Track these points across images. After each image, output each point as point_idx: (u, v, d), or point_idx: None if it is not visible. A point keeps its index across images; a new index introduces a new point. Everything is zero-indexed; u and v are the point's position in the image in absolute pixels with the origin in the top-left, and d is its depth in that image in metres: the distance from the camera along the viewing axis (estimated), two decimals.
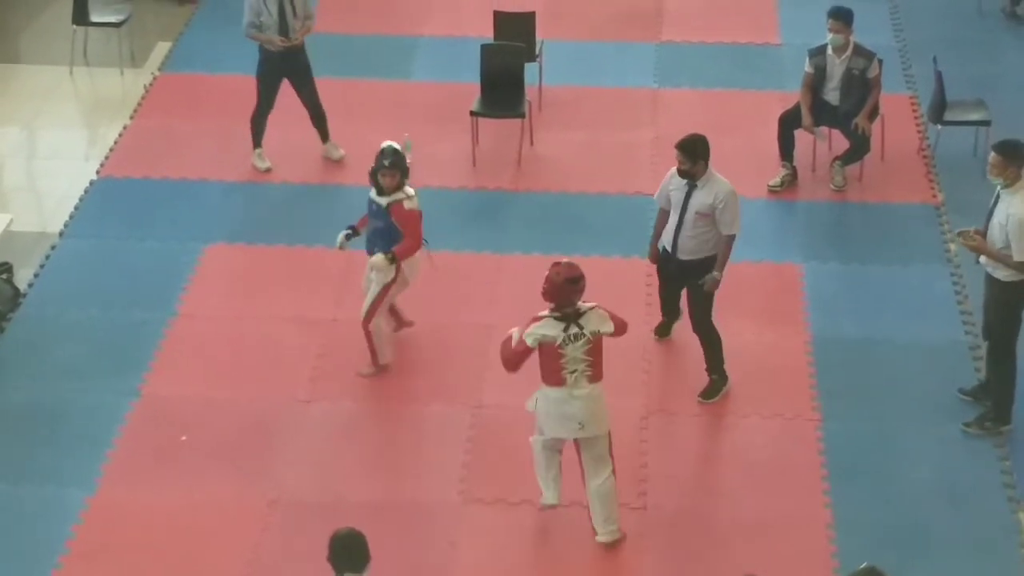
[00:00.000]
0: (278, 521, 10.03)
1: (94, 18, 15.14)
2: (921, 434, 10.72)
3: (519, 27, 14.16)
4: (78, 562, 9.74)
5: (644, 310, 11.80)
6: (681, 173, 10.60)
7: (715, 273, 10.70)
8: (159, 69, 15.08)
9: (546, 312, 9.49)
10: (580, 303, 9.50)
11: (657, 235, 11.05)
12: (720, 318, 11.53)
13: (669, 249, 10.83)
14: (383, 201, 10.76)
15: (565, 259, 9.55)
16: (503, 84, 13.60)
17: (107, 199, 13.19)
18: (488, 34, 14.31)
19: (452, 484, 10.29)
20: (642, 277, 12.15)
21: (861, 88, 12.94)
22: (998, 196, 10.29)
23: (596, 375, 9.54)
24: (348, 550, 7.84)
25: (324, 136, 13.50)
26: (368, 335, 11.00)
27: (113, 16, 15.24)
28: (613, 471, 9.69)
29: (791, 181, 13.23)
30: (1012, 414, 10.68)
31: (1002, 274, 10.33)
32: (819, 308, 11.88)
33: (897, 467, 10.46)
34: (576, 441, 9.67)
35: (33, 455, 10.53)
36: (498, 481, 10.28)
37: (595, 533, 9.75)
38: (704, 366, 10.98)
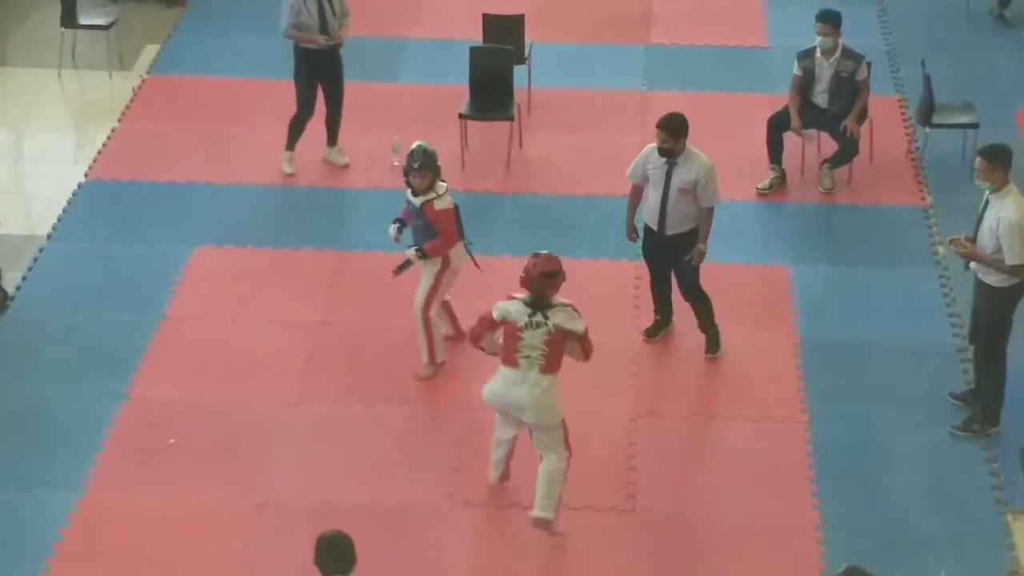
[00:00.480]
0: (267, 524, 10.02)
1: (82, 21, 15.12)
2: (910, 436, 10.73)
3: (508, 30, 14.16)
4: (66, 565, 9.72)
5: (632, 312, 11.80)
6: (662, 152, 10.81)
7: (700, 246, 10.99)
8: (147, 72, 15.06)
9: (519, 295, 9.65)
10: (555, 297, 9.64)
11: (632, 211, 11.25)
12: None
13: (655, 227, 11.04)
14: (417, 201, 10.86)
15: (545, 252, 9.67)
16: (492, 87, 13.61)
17: (95, 202, 13.18)
18: (477, 37, 14.31)
19: (440, 486, 10.28)
20: (630, 280, 12.16)
21: (850, 91, 12.96)
22: (987, 201, 10.30)
23: (550, 367, 9.65)
24: (334, 552, 7.84)
25: (333, 139, 13.47)
26: (427, 324, 11.06)
27: (101, 19, 15.23)
28: (565, 460, 9.75)
29: (780, 184, 13.25)
30: (1000, 417, 10.69)
31: (993, 279, 10.34)
32: (808, 311, 11.89)
33: (886, 469, 10.47)
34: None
35: (21, 458, 10.51)
36: (486, 484, 10.27)
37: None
38: (696, 326, 11.38)
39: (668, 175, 10.84)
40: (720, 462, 10.59)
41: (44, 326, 11.73)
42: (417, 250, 10.93)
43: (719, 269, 12.28)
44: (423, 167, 10.76)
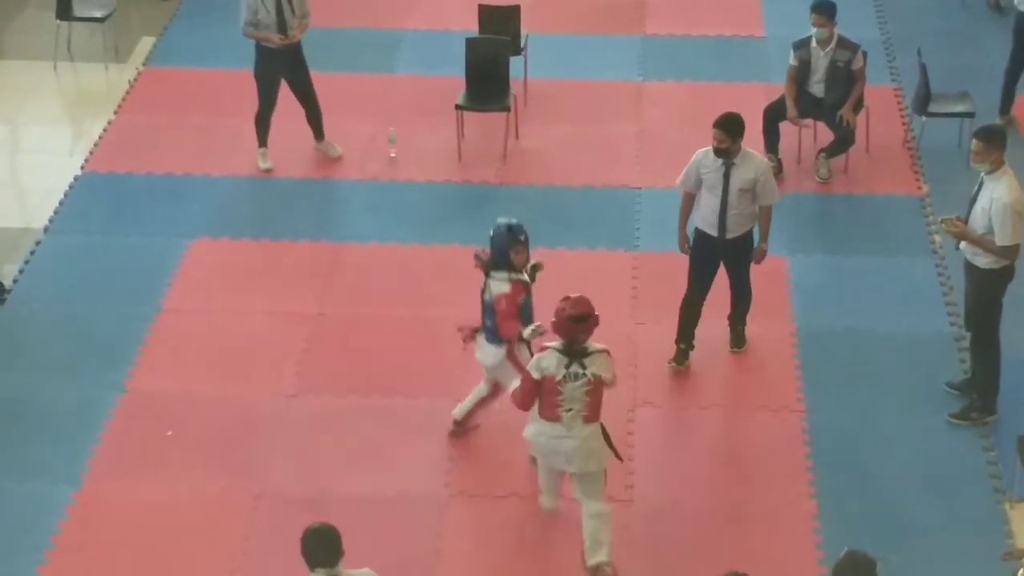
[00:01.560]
0: (264, 515, 10.02)
1: (78, 13, 15.11)
2: (907, 425, 10.74)
3: (504, 21, 14.15)
4: (65, 557, 9.72)
5: (630, 304, 11.81)
6: (719, 152, 10.61)
7: (763, 245, 10.94)
8: (143, 64, 15.05)
9: (553, 343, 9.19)
10: (590, 343, 9.13)
11: (684, 221, 10.98)
12: (705, 310, 11.56)
13: (715, 232, 10.77)
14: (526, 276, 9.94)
15: (575, 294, 9.14)
16: (488, 78, 13.60)
17: (92, 194, 13.17)
18: (473, 28, 14.30)
19: (438, 477, 10.29)
20: (628, 270, 12.16)
21: (846, 80, 12.96)
22: (981, 182, 10.30)
23: (592, 416, 9.21)
24: (319, 545, 7.80)
25: (318, 135, 13.45)
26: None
27: (97, 11, 15.21)
28: (607, 504, 9.41)
29: (776, 174, 13.22)
30: (997, 404, 10.70)
31: (983, 261, 10.35)
32: (804, 300, 11.90)
33: (883, 458, 10.48)
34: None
35: (19, 451, 10.52)
36: (484, 474, 10.28)
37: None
38: (727, 320, 11.28)
39: (727, 176, 10.61)
40: (717, 451, 10.60)
41: (41, 319, 11.73)
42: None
43: None
44: (527, 239, 9.87)
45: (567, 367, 9.08)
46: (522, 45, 14.29)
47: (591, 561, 9.34)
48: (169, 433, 10.66)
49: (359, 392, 11.03)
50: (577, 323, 9.03)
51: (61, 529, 9.92)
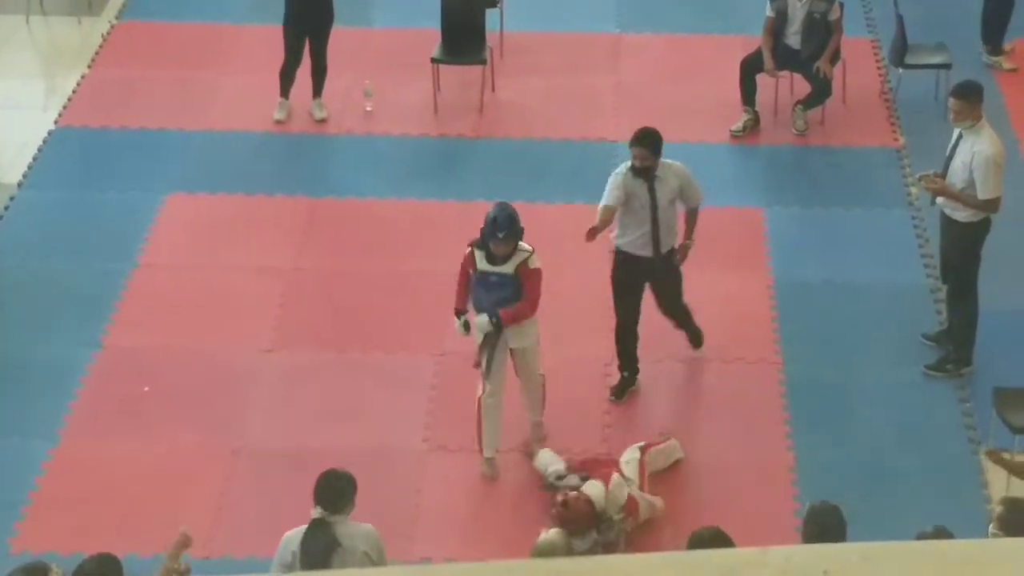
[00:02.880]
0: (242, 470, 10.03)
1: None
2: (883, 377, 10.77)
3: None
4: (42, 512, 9.72)
5: (607, 257, 11.78)
6: (640, 171, 10.04)
7: (688, 242, 10.44)
8: (117, 17, 14.94)
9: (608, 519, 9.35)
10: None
11: (599, 233, 10.14)
12: (683, 262, 11.53)
13: (649, 252, 10.18)
14: (509, 268, 9.66)
15: (560, 496, 9.32)
16: (464, 30, 13.53)
17: (66, 149, 13.09)
18: None
19: (416, 431, 10.30)
20: None
21: (822, 32, 12.92)
22: (959, 136, 10.29)
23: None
24: (328, 487, 7.91)
25: (317, 91, 13.36)
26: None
27: None
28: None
29: (753, 126, 13.22)
30: (973, 356, 10.73)
31: (961, 215, 10.36)
32: (781, 252, 11.91)
33: (859, 410, 10.51)
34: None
35: None
36: (462, 428, 10.28)
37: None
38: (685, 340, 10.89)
39: (652, 192, 10.09)
40: (694, 404, 10.62)
41: (16, 274, 11.67)
42: (494, 320, 9.67)
43: None
44: (509, 236, 9.57)
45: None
46: None
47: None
48: (146, 388, 10.64)
49: (336, 347, 11.02)
50: (589, 505, 9.34)
51: (38, 485, 9.91)
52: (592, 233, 9.97)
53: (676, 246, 10.39)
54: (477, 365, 9.76)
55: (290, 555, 7.90)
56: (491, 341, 9.71)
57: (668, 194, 10.19)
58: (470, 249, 9.77)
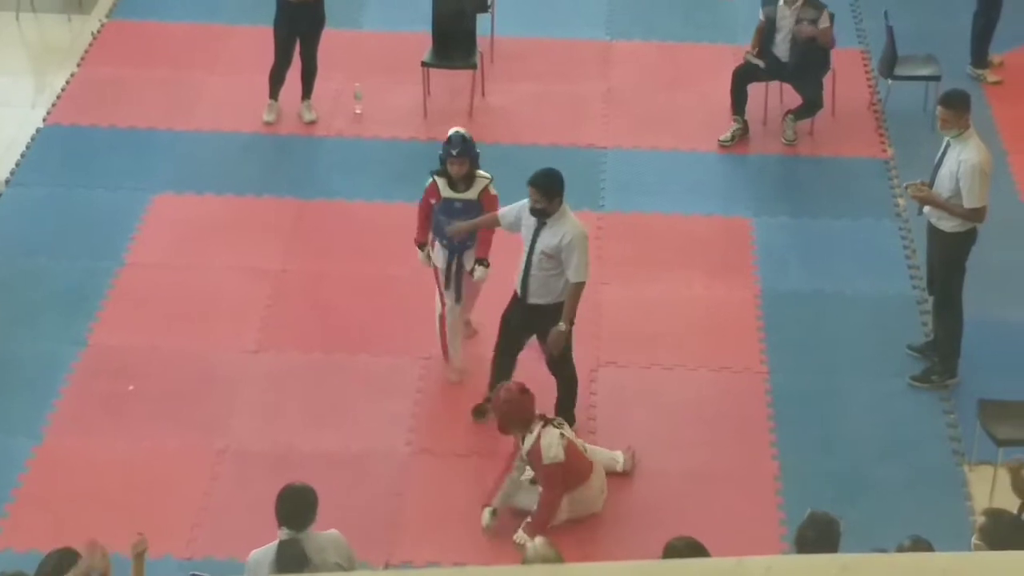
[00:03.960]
0: (226, 470, 10.01)
1: None
2: (868, 387, 10.78)
3: None
4: (25, 511, 9.69)
5: (594, 264, 11.72)
6: (535, 212, 9.72)
7: (561, 325, 9.78)
8: (107, 16, 14.91)
9: (534, 432, 9.35)
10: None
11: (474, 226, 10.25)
12: (670, 271, 11.60)
13: (519, 290, 9.92)
14: (472, 194, 10.21)
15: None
16: (455, 35, 13.53)
17: (54, 147, 13.07)
18: None
19: (400, 434, 10.29)
20: (592, 230, 12.11)
21: (810, 41, 12.91)
22: (947, 146, 10.32)
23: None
24: (294, 506, 7.80)
25: (307, 93, 13.34)
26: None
27: None
28: None
29: (742, 135, 13.23)
30: (958, 368, 10.75)
31: (948, 225, 10.37)
32: (768, 262, 11.92)
33: (844, 420, 10.52)
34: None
35: None
36: (447, 432, 10.29)
37: None
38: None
39: (535, 236, 9.74)
40: (680, 412, 10.62)
41: (2, 272, 11.64)
42: (481, 263, 10.26)
43: (680, 220, 12.31)
44: (462, 153, 10.14)
45: (559, 427, 9.53)
46: (489, 2, 14.21)
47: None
48: (131, 387, 10.61)
49: (322, 348, 11.01)
50: (526, 393, 9.42)
51: (21, 482, 9.89)
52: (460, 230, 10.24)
53: (554, 312, 9.83)
54: (447, 286, 10.39)
55: None
56: (456, 263, 10.33)
57: (545, 245, 9.69)
58: (432, 180, 10.35)
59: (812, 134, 13.30)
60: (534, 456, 9.38)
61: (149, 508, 9.67)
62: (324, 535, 7.94)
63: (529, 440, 9.37)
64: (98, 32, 14.64)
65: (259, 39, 13.61)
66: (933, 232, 10.51)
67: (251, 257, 11.83)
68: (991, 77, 13.81)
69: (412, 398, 10.58)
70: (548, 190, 9.71)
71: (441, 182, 10.31)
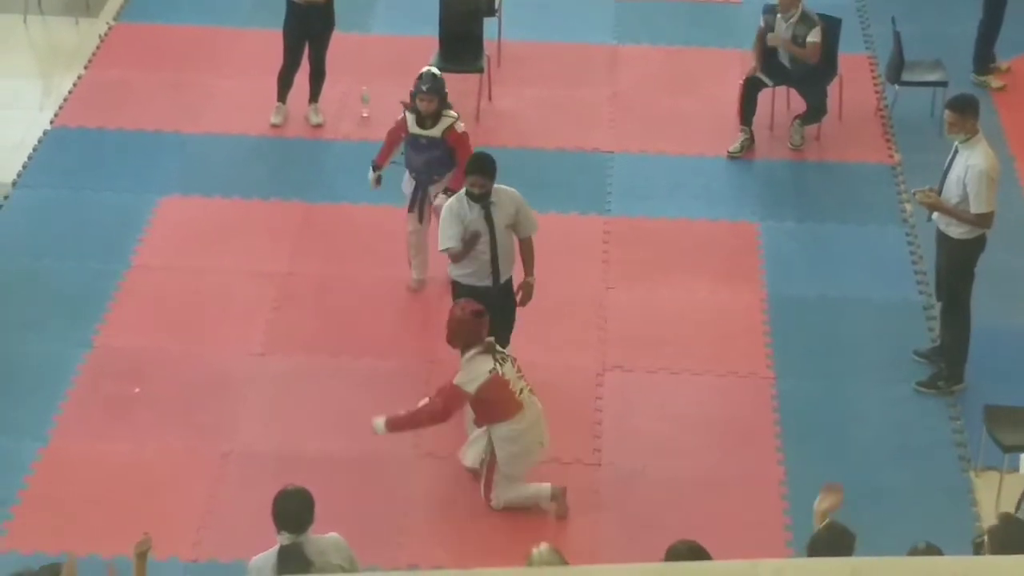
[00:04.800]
0: (232, 473, 10.01)
1: None
2: (874, 393, 10.77)
3: None
4: (31, 513, 9.69)
5: (600, 268, 11.81)
6: (480, 197, 10.00)
7: (530, 279, 10.29)
8: (114, 18, 14.93)
9: (470, 353, 9.40)
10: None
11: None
12: (676, 276, 11.59)
13: (489, 281, 10.15)
14: (436, 131, 10.95)
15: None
16: (462, 39, 13.54)
17: (61, 149, 13.08)
18: None
19: (406, 438, 10.26)
20: (599, 235, 12.16)
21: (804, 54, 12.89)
22: (955, 151, 10.31)
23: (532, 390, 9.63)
24: (289, 508, 7.75)
25: (314, 96, 13.35)
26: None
27: None
28: None
29: (749, 146, 13.21)
30: (964, 374, 10.74)
31: (956, 231, 10.37)
32: (775, 267, 11.91)
33: (850, 425, 10.51)
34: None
35: None
36: (452, 435, 10.27)
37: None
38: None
39: (489, 219, 10.03)
40: (686, 417, 10.61)
41: (9, 273, 11.65)
42: (448, 191, 10.70)
43: (687, 224, 12.30)
44: (431, 90, 10.84)
45: (496, 360, 9.40)
46: (496, 6, 14.22)
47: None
48: (137, 390, 10.62)
49: (328, 352, 11.01)
50: (479, 317, 9.40)
51: (27, 485, 9.89)
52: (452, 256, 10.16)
53: (510, 281, 10.26)
54: (411, 210, 11.11)
55: None
56: (421, 193, 11.07)
57: (505, 219, 10.10)
58: (403, 114, 11.05)
59: (819, 139, 13.30)
60: (454, 372, 9.48)
61: (154, 510, 9.67)
62: (324, 538, 7.92)
63: (462, 360, 9.44)
64: (105, 34, 14.66)
65: (266, 42, 13.63)
66: (942, 238, 10.51)
67: (258, 260, 11.84)
68: (995, 83, 13.80)
69: (417, 401, 10.56)
70: (492, 173, 10.07)
71: (410, 118, 11.02)
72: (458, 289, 10.24)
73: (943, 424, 10.53)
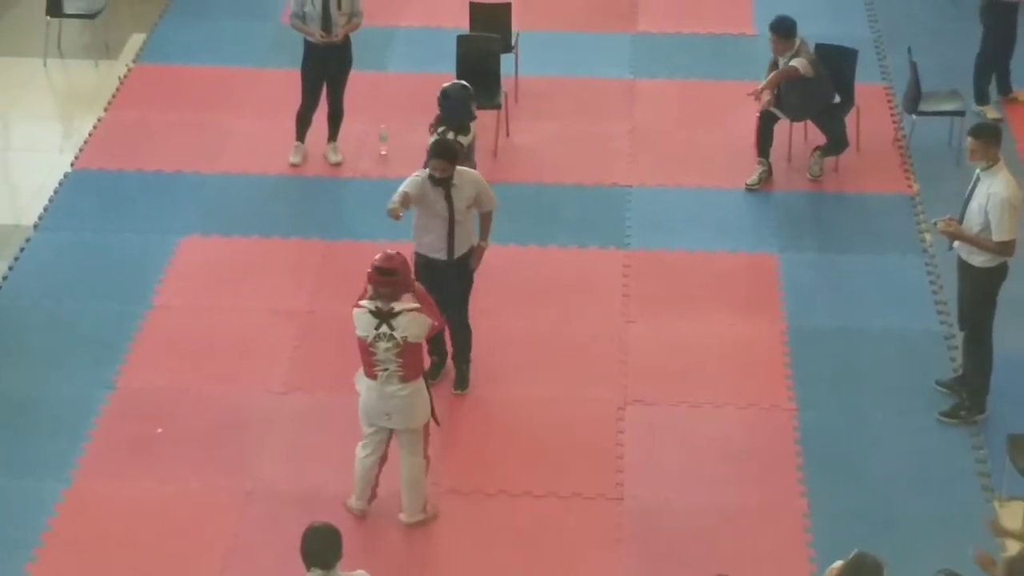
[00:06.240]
0: (254, 512, 10.01)
1: (68, 9, 15.08)
2: (897, 423, 10.75)
3: (495, 18, 14.15)
4: (53, 555, 9.71)
5: (620, 302, 11.81)
6: (440, 181, 10.40)
7: (483, 243, 10.80)
8: (134, 61, 15.03)
9: (365, 302, 9.45)
10: (397, 304, 9.36)
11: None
12: (696, 309, 11.58)
13: (444, 256, 10.58)
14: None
15: (395, 249, 9.57)
16: (479, 75, 13.56)
17: (82, 191, 13.15)
18: (464, 25, 14.30)
19: (428, 475, 10.27)
20: (618, 268, 12.17)
21: (803, 86, 12.88)
22: (977, 180, 10.31)
23: (409, 375, 9.48)
24: (317, 544, 7.78)
25: (333, 135, 13.42)
26: None
27: (87, 7, 15.18)
28: (425, 459, 9.81)
29: (767, 178, 13.22)
30: (987, 403, 10.71)
31: (978, 260, 10.36)
32: (795, 298, 11.90)
33: (873, 456, 10.49)
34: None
35: (8, 448, 10.50)
36: (473, 471, 10.28)
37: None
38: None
39: (450, 199, 10.47)
40: (708, 450, 10.59)
41: (31, 316, 11.71)
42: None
43: (706, 257, 12.31)
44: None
45: (376, 328, 9.34)
46: (513, 42, 14.29)
47: (410, 520, 9.81)
48: (159, 430, 10.64)
49: (349, 390, 10.95)
50: (382, 275, 9.33)
51: (51, 526, 9.91)
52: (393, 213, 10.39)
53: (467, 255, 10.68)
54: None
55: None
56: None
57: (465, 201, 10.57)
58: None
59: (837, 170, 13.30)
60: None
61: (178, 551, 9.69)
62: (353, 575, 7.94)
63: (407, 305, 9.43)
64: (125, 76, 14.75)
65: (284, 82, 13.70)
66: (964, 267, 10.50)
67: (279, 299, 11.87)
68: (991, 114, 13.78)
69: (439, 438, 10.57)
70: (453, 158, 10.45)
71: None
72: (419, 259, 10.61)
73: (966, 454, 10.50)
